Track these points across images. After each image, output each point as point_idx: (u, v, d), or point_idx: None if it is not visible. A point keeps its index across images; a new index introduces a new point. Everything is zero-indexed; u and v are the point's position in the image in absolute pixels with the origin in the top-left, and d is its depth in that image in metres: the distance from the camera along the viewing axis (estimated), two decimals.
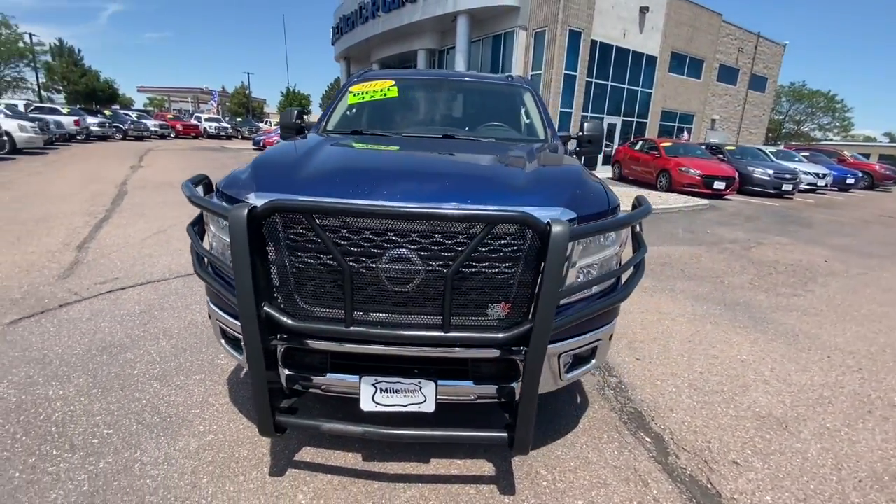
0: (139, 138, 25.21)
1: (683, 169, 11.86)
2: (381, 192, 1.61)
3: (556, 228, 1.41)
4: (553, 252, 1.40)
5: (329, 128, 2.89)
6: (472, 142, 2.58)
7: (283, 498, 1.66)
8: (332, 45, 30.67)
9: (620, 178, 14.97)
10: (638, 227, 1.99)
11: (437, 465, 1.87)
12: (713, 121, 24.12)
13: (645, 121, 19.86)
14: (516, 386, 1.70)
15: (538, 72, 16.07)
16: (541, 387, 1.76)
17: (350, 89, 3.15)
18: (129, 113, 31.10)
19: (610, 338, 1.92)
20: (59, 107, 24.04)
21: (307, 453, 1.90)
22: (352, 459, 1.88)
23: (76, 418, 2.03)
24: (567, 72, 15.66)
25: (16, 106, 18.12)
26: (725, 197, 12.09)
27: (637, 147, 14.49)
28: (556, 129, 2.96)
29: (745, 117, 25.86)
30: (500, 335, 1.53)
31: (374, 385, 1.66)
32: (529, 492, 1.77)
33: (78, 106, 27.58)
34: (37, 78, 32.99)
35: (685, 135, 18.62)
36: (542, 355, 1.47)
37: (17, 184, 8.16)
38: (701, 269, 4.96)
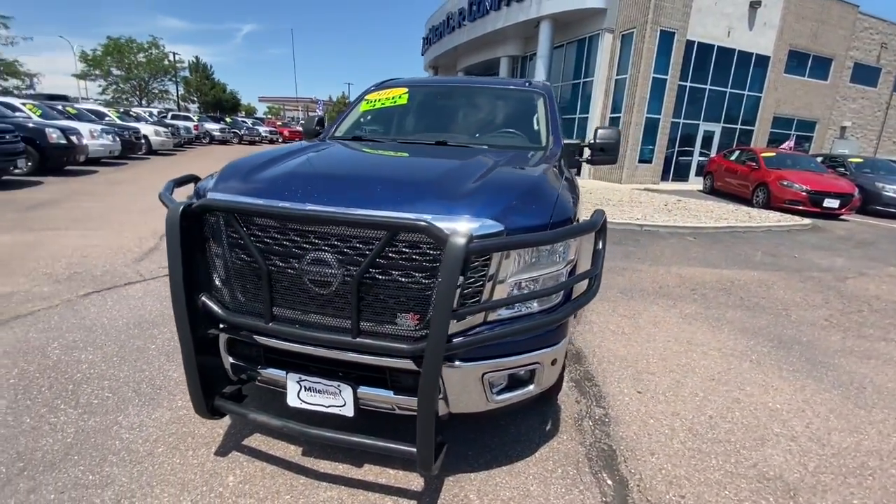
0: (252, 142, 28.51)
1: (785, 183, 10.34)
2: (314, 196, 1.66)
3: (452, 240, 1.35)
4: (445, 264, 1.34)
5: (337, 134, 3.04)
6: (457, 149, 2.55)
7: (215, 477, 1.79)
8: (422, 55, 31.89)
9: (712, 191, 13.51)
10: (600, 245, 1.81)
11: (367, 472, 1.87)
12: (843, 128, 20.68)
13: (751, 128, 17.69)
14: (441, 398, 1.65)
15: (623, 76, 15.15)
16: (469, 406, 1.71)
17: (365, 97, 3.29)
18: (246, 120, 35.43)
19: (553, 362, 1.76)
20: (191, 115, 28.22)
21: (255, 440, 2.02)
22: (291, 452, 1.96)
23: (91, 381, 2.37)
24: (656, 75, 14.53)
25: (152, 114, 21.54)
26: (840, 217, 10.31)
27: (733, 157, 12.96)
28: (561, 134, 2.80)
29: (888, 125, 21.78)
30: (406, 346, 1.50)
31: (298, 382, 1.72)
32: None
33: (206, 114, 32.12)
34: (176, 90, 39.32)
35: (789, 143, 16.18)
36: (434, 371, 1.41)
37: (142, 180, 9.71)
38: (767, 299, 4.31)
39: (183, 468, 1.82)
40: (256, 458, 1.91)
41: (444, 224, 1.47)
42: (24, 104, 12.66)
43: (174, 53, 37.78)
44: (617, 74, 15.48)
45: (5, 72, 22.76)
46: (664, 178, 16.44)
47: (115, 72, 35.21)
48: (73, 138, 10.27)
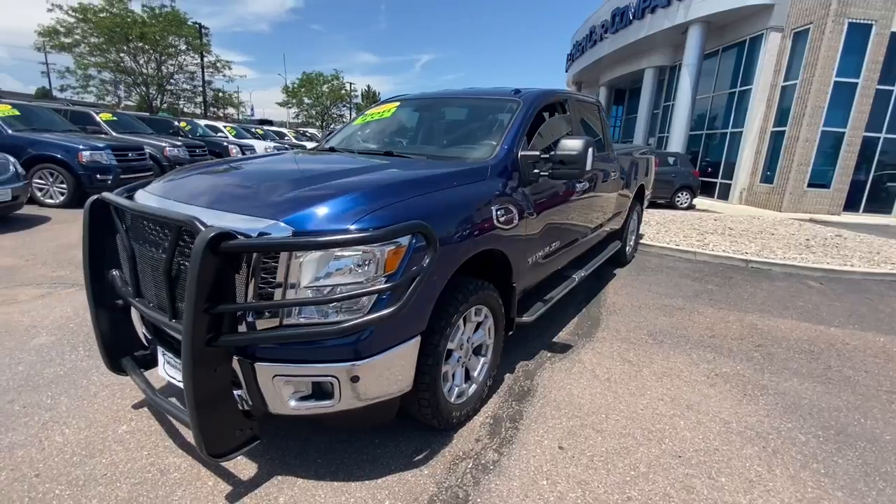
0: None
1: None
2: (181, 195, 1.92)
3: (200, 236, 1.43)
4: (192, 261, 1.42)
5: (324, 146, 3.31)
6: (389, 158, 2.56)
7: (95, 426, 2.17)
8: (566, 71, 31.23)
9: None
10: (425, 261, 1.64)
11: None
12: None
13: None
14: (242, 393, 1.72)
15: (792, 82, 12.40)
16: (273, 407, 1.73)
17: (365, 112, 3.51)
18: None
19: (354, 379, 1.66)
20: None
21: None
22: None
23: None
24: (839, 79, 11.49)
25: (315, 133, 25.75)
26: None
27: None
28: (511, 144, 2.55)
29: None
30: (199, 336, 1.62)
31: (163, 355, 1.98)
32: None
33: None
34: (349, 114, 46.38)
35: None
36: (189, 359, 1.48)
37: None
38: (870, 375, 3.10)
39: (73, 402, 2.27)
40: (152, 418, 2.23)
41: (242, 224, 1.57)
42: (224, 126, 16.53)
43: (350, 83, 44.91)
44: (784, 80, 12.77)
45: (223, 102, 30.42)
46: (850, 207, 12.83)
47: (307, 100, 43.33)
48: (248, 152, 13.00)
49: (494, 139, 2.65)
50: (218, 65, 26.36)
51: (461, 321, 2.17)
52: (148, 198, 2.03)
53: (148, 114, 18.09)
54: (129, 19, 21.52)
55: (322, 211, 1.64)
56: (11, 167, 6.11)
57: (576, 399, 2.62)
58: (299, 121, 44.76)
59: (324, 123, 44.06)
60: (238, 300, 1.57)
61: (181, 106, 26.33)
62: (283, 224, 1.59)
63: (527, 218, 2.56)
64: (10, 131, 7.61)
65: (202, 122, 14.80)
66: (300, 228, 1.58)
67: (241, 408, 1.73)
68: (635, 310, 4.05)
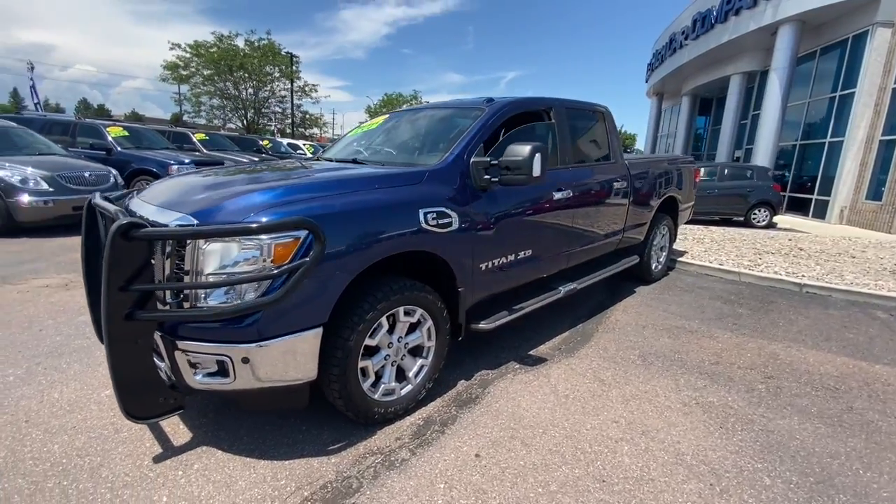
0: None
1: None
2: (150, 198, 2.26)
3: (113, 226, 1.69)
4: (106, 245, 1.68)
5: (320, 155, 3.60)
6: (347, 165, 2.74)
7: (86, 389, 2.56)
8: (646, 81, 29.62)
9: None
10: (310, 255, 1.77)
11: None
12: None
13: None
14: (164, 366, 1.97)
15: None
16: (185, 380, 1.95)
17: (360, 124, 3.76)
18: None
19: (244, 360, 1.81)
20: None
21: None
22: None
23: None
24: None
25: None
26: None
27: None
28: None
29: None
30: None
31: None
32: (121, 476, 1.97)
33: None
34: None
35: None
36: (106, 333, 1.72)
37: None
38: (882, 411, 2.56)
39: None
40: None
41: (167, 219, 1.84)
42: (303, 144, 18.13)
43: (428, 102, 46.80)
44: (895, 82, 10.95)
45: (310, 122, 33.41)
46: None
47: None
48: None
49: (449, 146, 2.71)
50: (306, 89, 29.35)
51: (384, 319, 2.24)
52: (132, 200, 2.40)
53: (238, 134, 20.53)
54: (232, 52, 24.91)
55: (226, 207, 1.85)
56: (112, 178, 7.36)
57: (520, 411, 2.54)
58: None
59: None
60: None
61: (273, 127, 29.50)
62: (189, 217, 1.82)
63: (474, 223, 2.57)
64: (118, 149, 9.16)
65: (285, 141, 16.45)
66: (203, 221, 1.80)
67: (165, 379, 1.97)
68: (638, 329, 3.76)
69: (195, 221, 1.81)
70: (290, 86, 28.16)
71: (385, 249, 2.13)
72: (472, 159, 2.63)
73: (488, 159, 2.60)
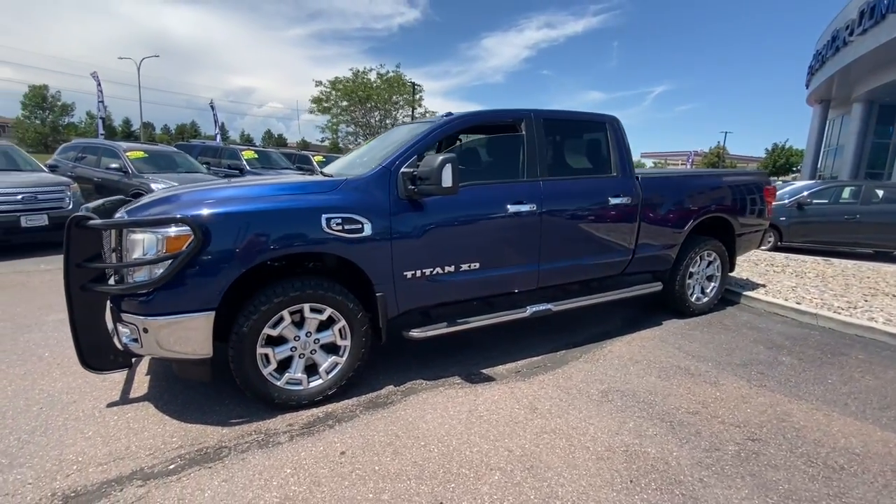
0: None
1: None
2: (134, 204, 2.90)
3: (69, 218, 2.27)
4: (65, 233, 2.26)
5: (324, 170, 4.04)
6: (299, 176, 3.09)
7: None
8: (806, 86, 24.87)
9: None
10: (188, 247, 2.12)
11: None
12: None
13: None
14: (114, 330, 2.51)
15: None
16: (120, 343, 2.45)
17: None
18: None
19: (145, 330, 2.21)
20: None
21: None
22: None
23: None
24: None
25: None
26: None
27: None
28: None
29: None
30: None
31: None
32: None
33: None
34: None
35: None
36: (68, 300, 2.30)
37: None
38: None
39: None
40: None
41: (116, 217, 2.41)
42: None
43: None
44: None
45: None
46: None
47: None
48: None
49: (384, 158, 2.86)
50: (427, 115, 31.76)
51: (286, 313, 2.48)
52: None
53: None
54: (364, 85, 28.51)
55: (146, 209, 2.32)
56: None
57: (419, 422, 2.51)
58: None
59: None
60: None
61: None
62: (125, 215, 2.33)
63: (394, 230, 2.66)
64: (248, 168, 11.19)
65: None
66: (129, 218, 2.29)
67: (117, 342, 2.49)
68: (625, 364, 3.31)
69: (127, 218, 2.30)
70: (412, 112, 30.89)
71: (277, 249, 2.38)
72: (402, 170, 2.74)
73: (412, 170, 2.68)
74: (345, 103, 29.12)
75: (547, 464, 2.19)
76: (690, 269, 4.22)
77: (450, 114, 3.21)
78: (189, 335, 2.28)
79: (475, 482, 2.05)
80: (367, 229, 2.60)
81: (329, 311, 2.59)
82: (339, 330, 2.66)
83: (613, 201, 3.53)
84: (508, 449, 2.30)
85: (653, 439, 2.41)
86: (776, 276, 5.58)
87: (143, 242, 2.22)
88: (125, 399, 2.67)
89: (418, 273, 2.82)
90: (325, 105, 29.46)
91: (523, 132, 3.26)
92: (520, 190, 3.15)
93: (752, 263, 6.43)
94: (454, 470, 2.13)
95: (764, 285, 5.17)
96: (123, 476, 2.02)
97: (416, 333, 2.89)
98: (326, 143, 35.29)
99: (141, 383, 2.86)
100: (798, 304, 4.45)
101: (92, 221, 2.26)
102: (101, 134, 17.33)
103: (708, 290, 4.45)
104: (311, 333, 2.60)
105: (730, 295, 4.94)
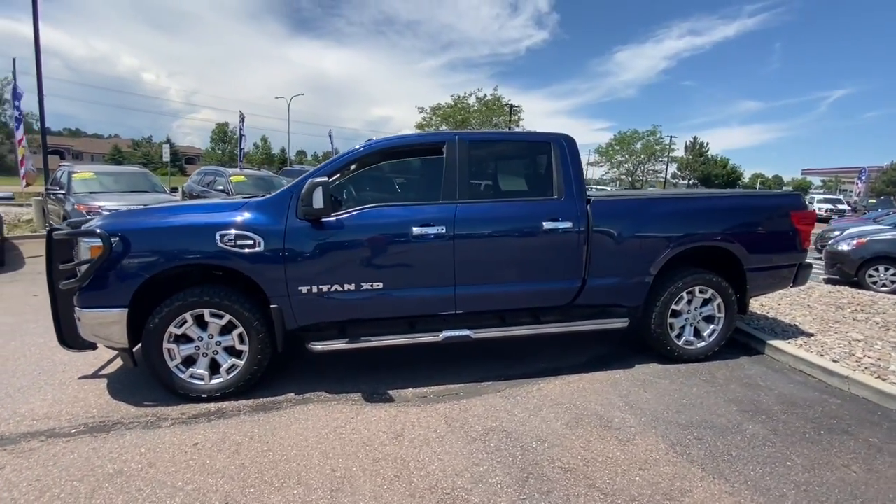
0: None
1: None
2: None
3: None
4: (45, 240, 3.01)
5: None
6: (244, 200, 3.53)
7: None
8: None
9: None
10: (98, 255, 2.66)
11: None
12: None
13: None
14: None
15: None
16: None
17: None
18: None
19: (79, 319, 2.81)
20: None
21: None
22: None
23: None
24: None
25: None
26: None
27: None
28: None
29: None
30: None
31: None
32: None
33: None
34: (666, 170, 43.59)
35: None
36: (50, 291, 3.04)
37: None
38: None
39: None
40: None
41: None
42: None
43: (671, 137, 42.24)
44: None
45: None
46: None
47: (620, 158, 43.84)
48: None
49: (295, 182, 3.14)
50: None
51: (188, 316, 2.88)
52: None
53: None
54: (463, 109, 29.75)
55: (94, 223, 2.93)
56: None
57: (281, 429, 2.68)
58: (608, 178, 45.94)
59: (633, 179, 43.32)
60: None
61: None
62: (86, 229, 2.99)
63: (288, 248, 2.91)
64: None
65: None
66: (66, 230, 2.94)
67: None
68: (540, 405, 3.00)
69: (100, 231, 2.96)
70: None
71: (176, 260, 2.80)
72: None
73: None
74: (444, 127, 30.74)
75: (356, 489, 2.17)
76: (673, 307, 3.61)
77: (369, 140, 3.38)
78: (107, 327, 2.81)
79: (273, 492, 2.14)
80: (261, 246, 2.89)
81: (228, 317, 2.93)
82: (238, 335, 2.98)
83: (548, 225, 3.26)
84: (333, 468, 2.33)
85: (488, 488, 2.20)
86: (844, 326, 4.37)
87: (82, 250, 2.83)
88: (95, 375, 3.34)
89: (314, 289, 3.00)
90: (428, 130, 31.47)
91: (445, 155, 3.25)
92: (429, 212, 3.14)
93: (827, 306, 5.10)
94: (267, 477, 2.25)
95: (812, 335, 4.10)
96: (38, 431, 2.58)
97: (317, 347, 3.07)
98: None
99: (118, 364, 3.54)
100: (835, 360, 3.46)
101: (56, 232, 2.97)
102: (241, 162, 21.22)
103: (705, 334, 3.73)
104: (213, 336, 2.97)
105: (754, 342, 4.05)
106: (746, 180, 62.38)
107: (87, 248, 2.77)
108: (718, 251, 3.66)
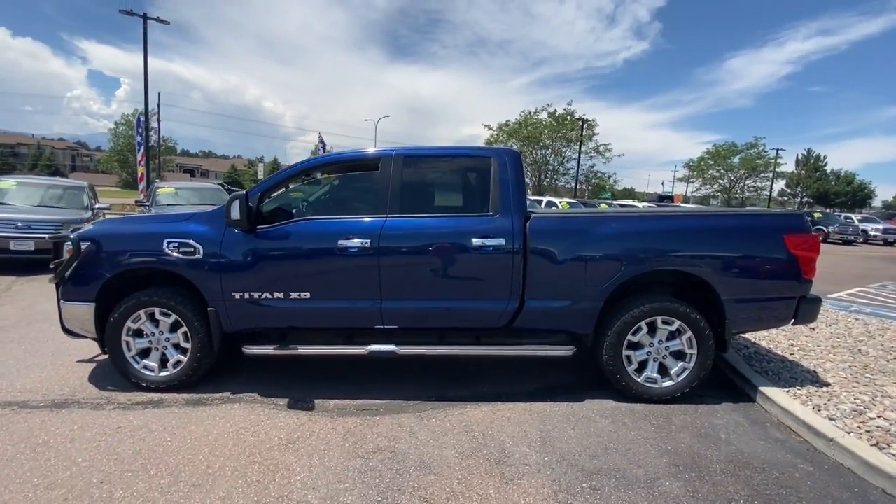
0: (846, 242, 22.52)
1: None
2: None
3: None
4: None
5: None
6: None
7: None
8: None
9: None
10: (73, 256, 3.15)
11: None
12: None
13: None
14: None
15: None
16: None
17: None
18: (840, 214, 29.10)
19: (60, 310, 3.33)
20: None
21: None
22: None
23: None
24: None
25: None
26: None
27: None
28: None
29: None
30: None
31: None
32: None
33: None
34: (771, 186, 38.24)
35: None
36: (56, 287, 3.68)
37: None
38: None
39: None
40: None
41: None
42: (560, 202, 19.01)
43: (777, 150, 37.07)
44: None
45: (599, 181, 33.35)
46: None
47: (714, 173, 39.61)
48: None
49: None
50: (600, 149, 30.33)
51: (142, 313, 3.26)
52: None
53: None
54: (530, 124, 29.42)
55: (84, 228, 3.46)
56: None
57: (191, 425, 2.88)
58: (699, 195, 41.70)
59: (730, 197, 38.87)
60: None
61: (561, 184, 32.05)
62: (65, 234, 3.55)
63: (222, 256, 3.17)
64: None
65: (545, 199, 18.03)
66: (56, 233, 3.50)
67: None
68: (441, 433, 2.85)
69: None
70: (589, 148, 30.17)
71: (130, 263, 3.20)
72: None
73: (253, 206, 3.15)
74: (512, 143, 30.55)
75: (214, 487, 2.28)
76: (630, 338, 3.22)
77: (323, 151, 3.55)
78: (81, 319, 3.29)
79: (144, 479, 2.33)
80: (200, 253, 3.18)
81: (174, 316, 3.26)
82: (183, 334, 3.29)
83: (478, 242, 3.14)
84: (210, 465, 2.47)
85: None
86: (883, 379, 3.50)
87: (64, 251, 3.36)
88: (91, 360, 3.89)
89: (247, 296, 3.22)
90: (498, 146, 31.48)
91: (379, 171, 3.31)
92: (356, 226, 3.20)
93: (887, 352, 4.12)
94: (149, 465, 2.45)
95: (828, 385, 3.35)
96: (13, 402, 3.09)
97: (248, 351, 3.29)
98: None
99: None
100: (831, 418, 2.80)
101: (49, 236, 3.57)
102: None
103: (673, 371, 3.25)
104: (164, 332, 3.31)
105: (748, 387, 3.43)
106: (890, 198, 52.56)
107: (67, 251, 3.29)
108: (693, 279, 3.20)
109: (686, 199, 38.49)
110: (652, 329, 3.25)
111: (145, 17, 18.94)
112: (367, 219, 3.25)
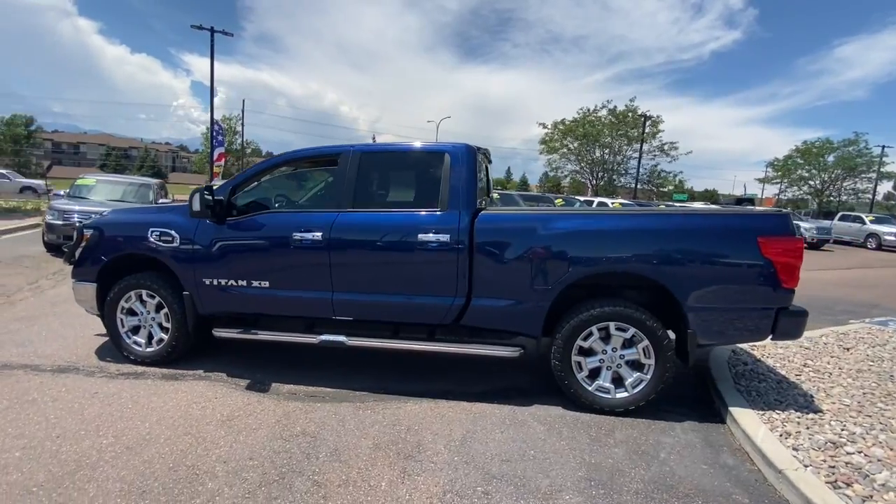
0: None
1: None
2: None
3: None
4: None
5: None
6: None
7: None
8: None
9: None
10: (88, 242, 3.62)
11: None
12: None
13: None
14: None
15: None
16: None
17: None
18: None
19: (73, 288, 3.84)
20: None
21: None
22: None
23: None
24: None
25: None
26: None
27: None
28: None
29: None
30: None
31: None
32: None
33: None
34: (875, 187, 33.02)
35: None
36: (69, 269, 4.25)
37: None
38: None
39: None
40: None
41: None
42: (612, 202, 18.08)
43: (883, 147, 32.01)
44: None
45: (662, 181, 30.71)
46: None
47: (803, 173, 35.15)
48: None
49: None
50: (665, 147, 28.19)
51: (133, 294, 3.66)
52: None
53: (531, 192, 22.70)
54: (590, 123, 28.13)
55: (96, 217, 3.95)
56: None
57: (155, 396, 3.19)
58: (786, 198, 37.20)
59: (822, 200, 34.39)
60: None
61: (621, 184, 30.26)
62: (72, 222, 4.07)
63: (195, 244, 3.46)
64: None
65: (581, 198, 17.21)
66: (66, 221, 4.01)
67: None
68: (373, 423, 2.89)
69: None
70: (650, 146, 28.28)
71: (122, 249, 3.60)
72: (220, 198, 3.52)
73: (209, 198, 3.42)
74: (576, 143, 29.38)
75: (140, 452, 2.52)
76: (581, 344, 3.03)
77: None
78: (87, 297, 3.76)
79: (79, 439, 2.62)
80: (177, 242, 3.51)
81: (157, 298, 3.63)
82: (165, 314, 3.65)
83: (423, 237, 3.14)
84: (148, 433, 2.72)
85: (229, 481, 2.31)
86: (894, 411, 2.95)
87: (75, 237, 3.85)
88: (104, 334, 4.42)
89: (215, 282, 3.49)
90: (552, 145, 30.40)
91: (338, 166, 3.43)
92: (310, 219, 3.35)
93: None
94: (91, 427, 2.73)
95: (820, 412, 2.90)
96: (28, 365, 3.61)
97: (217, 333, 3.57)
98: (566, 182, 36.43)
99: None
100: (795, 449, 2.43)
101: (79, 224, 4.10)
102: None
103: (628, 382, 3.01)
104: (150, 312, 3.69)
105: (723, 405, 3.08)
106: None
107: (78, 237, 3.79)
108: (651, 283, 2.95)
109: (779, 203, 34.51)
110: (606, 335, 3.04)
111: (212, 31, 21.02)
112: (322, 213, 3.38)
